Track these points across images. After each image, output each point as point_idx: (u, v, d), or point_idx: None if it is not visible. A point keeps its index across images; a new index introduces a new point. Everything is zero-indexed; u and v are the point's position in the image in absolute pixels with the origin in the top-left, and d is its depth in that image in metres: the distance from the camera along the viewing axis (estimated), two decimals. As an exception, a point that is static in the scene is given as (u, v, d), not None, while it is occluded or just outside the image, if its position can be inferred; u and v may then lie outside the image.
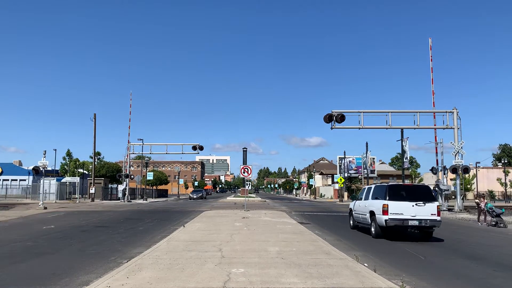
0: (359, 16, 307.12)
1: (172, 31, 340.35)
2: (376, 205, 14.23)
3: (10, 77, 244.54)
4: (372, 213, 14.42)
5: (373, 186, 16.06)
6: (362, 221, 15.84)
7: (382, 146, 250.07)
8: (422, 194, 13.90)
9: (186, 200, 56.22)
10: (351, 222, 17.44)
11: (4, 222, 18.87)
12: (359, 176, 59.33)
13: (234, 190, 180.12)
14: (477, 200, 21.79)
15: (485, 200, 20.98)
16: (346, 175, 60.52)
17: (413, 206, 13.40)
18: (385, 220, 13.35)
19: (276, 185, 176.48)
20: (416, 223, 13.24)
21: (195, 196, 59.71)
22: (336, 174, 67.46)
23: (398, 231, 14.47)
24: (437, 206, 13.63)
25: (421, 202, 13.44)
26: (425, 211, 13.35)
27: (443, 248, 11.63)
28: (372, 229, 14.29)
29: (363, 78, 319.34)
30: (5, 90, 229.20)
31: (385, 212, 13.45)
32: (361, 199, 16.64)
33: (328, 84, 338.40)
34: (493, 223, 19.07)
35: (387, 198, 13.70)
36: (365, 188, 17.07)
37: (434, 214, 13.36)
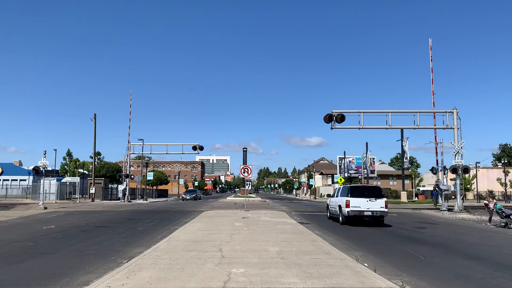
0: (359, 16, 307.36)
1: (172, 31, 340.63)
2: (342, 200, 18.88)
3: (10, 77, 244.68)
4: (340, 207, 19.07)
5: (341, 187, 20.75)
6: (334, 212, 20.58)
7: (382, 146, 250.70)
8: (374, 193, 18.64)
9: (186, 200, 56.05)
10: (328, 214, 22.25)
11: (4, 222, 18.87)
12: (359, 176, 59.28)
13: (234, 190, 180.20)
14: (485, 201, 20.93)
15: (494, 201, 20.06)
16: (346, 175, 60.50)
17: (367, 201, 18.06)
18: (348, 211, 18.07)
19: (276, 185, 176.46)
20: (370, 213, 18.02)
21: (188, 197, 55.03)
22: (336, 174, 67.43)
23: (357, 219, 18.74)
24: (385, 201, 18.27)
25: (373, 198, 18.14)
26: (376, 205, 18.03)
27: (443, 248, 11.62)
28: (340, 218, 18.92)
29: (363, 78, 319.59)
30: (5, 90, 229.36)
31: (347, 205, 18.16)
32: (333, 196, 21.67)
33: (328, 84, 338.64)
34: (503, 224, 18.41)
35: (349, 195, 18.47)
36: (336, 188, 21.89)
37: (383, 207, 18.00)
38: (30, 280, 7.24)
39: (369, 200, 18.11)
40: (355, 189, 19.11)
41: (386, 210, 18.07)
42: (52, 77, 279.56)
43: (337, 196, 20.55)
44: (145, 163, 66.20)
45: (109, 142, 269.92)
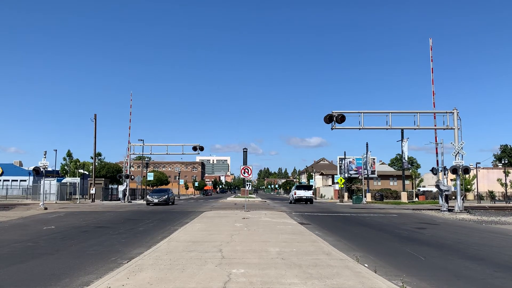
0: (359, 16, 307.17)
1: (172, 31, 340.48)
2: (293, 192, 44.82)
3: (10, 77, 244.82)
4: (292, 195, 44.50)
5: (295, 185, 51.01)
6: (290, 198, 45.85)
7: (382, 147, 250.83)
8: (307, 188, 46.05)
9: (186, 200, 55.70)
10: (289, 200, 48.61)
11: (5, 223, 18.87)
12: (360, 177, 59.19)
13: (234, 191, 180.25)
14: None
15: None
16: (346, 175, 60.45)
17: (304, 192, 43.83)
18: (295, 197, 43.43)
19: (277, 186, 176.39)
20: (305, 197, 43.20)
21: (156, 200, 38.66)
22: (337, 174, 67.37)
23: (299, 201, 42.95)
24: (312, 191, 45.86)
25: (307, 190, 44.45)
26: (308, 194, 43.67)
27: (443, 249, 11.62)
28: (292, 201, 43.63)
29: (363, 78, 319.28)
30: (5, 90, 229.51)
31: (295, 194, 43.80)
32: (291, 190, 49.99)
33: (328, 85, 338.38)
34: None
35: (296, 189, 44.78)
36: (293, 186, 51.71)
37: (311, 195, 44.48)
38: (30, 281, 7.25)
39: (305, 191, 43.60)
40: (299, 187, 46.10)
41: (313, 196, 44.71)
42: (53, 77, 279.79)
43: (292, 190, 45.70)
44: (145, 163, 66.26)
45: (109, 142, 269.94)
